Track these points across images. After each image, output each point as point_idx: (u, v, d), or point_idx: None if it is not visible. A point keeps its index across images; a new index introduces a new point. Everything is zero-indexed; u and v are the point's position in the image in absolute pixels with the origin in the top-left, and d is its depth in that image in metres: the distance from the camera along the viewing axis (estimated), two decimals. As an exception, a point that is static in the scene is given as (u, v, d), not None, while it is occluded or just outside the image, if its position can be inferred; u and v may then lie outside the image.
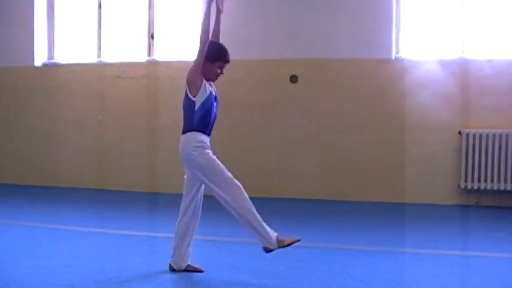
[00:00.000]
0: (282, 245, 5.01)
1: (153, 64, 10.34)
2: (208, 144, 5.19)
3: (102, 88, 10.51)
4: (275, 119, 9.75)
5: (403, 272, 5.41)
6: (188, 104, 5.12)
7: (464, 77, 9.12)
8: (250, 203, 5.00)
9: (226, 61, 5.21)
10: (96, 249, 6.06)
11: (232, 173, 5.13)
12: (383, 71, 9.38)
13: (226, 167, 5.11)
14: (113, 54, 10.64)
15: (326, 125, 9.53)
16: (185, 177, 5.25)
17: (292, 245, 5.03)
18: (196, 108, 5.10)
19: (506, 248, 6.40)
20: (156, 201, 9.56)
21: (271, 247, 5.02)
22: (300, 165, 9.56)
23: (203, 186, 5.20)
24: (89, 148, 10.53)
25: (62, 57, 10.93)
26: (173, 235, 5.21)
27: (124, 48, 10.65)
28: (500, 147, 8.97)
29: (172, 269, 5.19)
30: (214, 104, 5.21)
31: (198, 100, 5.09)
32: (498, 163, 8.98)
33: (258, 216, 5.00)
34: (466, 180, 9.05)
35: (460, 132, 9.07)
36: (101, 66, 10.58)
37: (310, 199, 9.39)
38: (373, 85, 9.42)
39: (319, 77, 9.61)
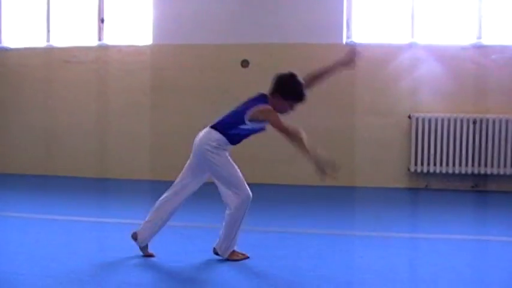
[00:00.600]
0: (231, 257, 5.07)
1: (103, 48, 10.20)
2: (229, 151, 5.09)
3: (51, 72, 10.33)
4: (226, 104, 9.61)
5: (353, 254, 5.48)
6: (239, 118, 4.97)
7: (414, 62, 9.21)
8: (245, 213, 5.00)
9: (300, 101, 5.03)
10: (46, 236, 5.99)
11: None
12: (334, 55, 9.26)
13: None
14: (62, 38, 10.47)
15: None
16: (188, 163, 5.14)
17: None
18: (242, 127, 4.97)
19: (454, 230, 6.52)
20: (106, 187, 9.47)
21: (221, 254, 5.08)
22: (249, 150, 9.54)
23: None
24: (38, 133, 10.37)
25: (10, 41, 10.72)
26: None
27: (73, 32, 10.48)
28: (449, 131, 9.10)
29: (134, 238, 5.13)
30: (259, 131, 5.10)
31: (249, 125, 4.96)
32: (447, 147, 9.12)
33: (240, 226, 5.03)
34: (415, 164, 9.17)
35: (409, 117, 9.18)
36: (50, 51, 10.40)
37: (259, 183, 9.39)
38: (324, 70, 9.43)
39: (270, 62, 9.57)
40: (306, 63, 9.46)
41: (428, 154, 9.14)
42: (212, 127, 5.06)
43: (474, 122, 9.05)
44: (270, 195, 8.77)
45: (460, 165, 9.10)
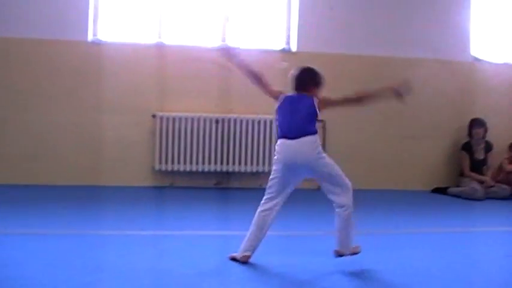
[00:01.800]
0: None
1: None
2: None
3: None
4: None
5: (96, 254, 5.42)
6: (314, 114, 5.23)
7: (160, 62, 9.31)
8: None
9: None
10: None
11: None
12: (78, 52, 9.22)
13: None
14: None
15: (20, 107, 9.14)
16: (281, 176, 5.24)
17: None
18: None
19: (197, 226, 6.73)
20: None
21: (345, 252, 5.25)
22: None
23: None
24: None
25: None
26: None
27: None
28: (192, 131, 9.34)
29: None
30: None
31: None
32: (191, 146, 9.34)
33: None
34: (160, 163, 9.27)
35: (153, 116, 9.28)
36: None
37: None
38: (68, 67, 9.21)
39: (15, 59, 9.17)
40: (49, 59, 9.26)
41: (172, 153, 9.30)
42: (305, 134, 5.18)
43: (217, 122, 9.37)
44: (17, 196, 8.39)
45: (203, 163, 9.38)
